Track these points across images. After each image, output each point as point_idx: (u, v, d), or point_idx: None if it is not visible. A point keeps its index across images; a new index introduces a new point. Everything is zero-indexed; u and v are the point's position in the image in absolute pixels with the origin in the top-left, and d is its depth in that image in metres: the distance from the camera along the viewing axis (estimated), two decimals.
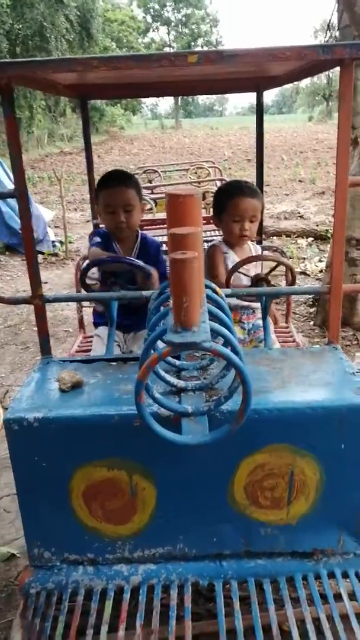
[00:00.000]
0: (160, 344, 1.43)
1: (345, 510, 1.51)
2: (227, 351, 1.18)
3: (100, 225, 2.47)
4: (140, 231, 2.42)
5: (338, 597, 1.50)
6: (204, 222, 4.18)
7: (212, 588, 1.52)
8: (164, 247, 2.51)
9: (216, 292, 1.55)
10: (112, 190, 2.22)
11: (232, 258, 2.30)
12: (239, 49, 1.50)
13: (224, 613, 1.45)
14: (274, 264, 2.17)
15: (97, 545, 1.55)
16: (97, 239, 2.30)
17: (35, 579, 1.54)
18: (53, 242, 7.01)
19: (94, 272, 2.22)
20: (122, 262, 2.06)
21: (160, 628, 1.44)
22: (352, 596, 1.49)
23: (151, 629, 1.44)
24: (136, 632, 1.43)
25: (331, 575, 1.53)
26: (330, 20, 4.61)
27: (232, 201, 2.23)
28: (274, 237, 7.07)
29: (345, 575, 1.53)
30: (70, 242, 7.06)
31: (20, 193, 1.63)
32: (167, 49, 49.66)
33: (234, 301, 2.33)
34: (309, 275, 5.37)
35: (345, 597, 1.48)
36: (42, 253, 6.71)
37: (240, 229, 2.24)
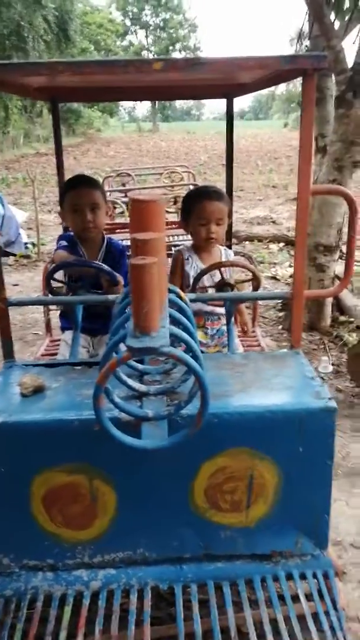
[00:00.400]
0: (122, 348, 1.43)
1: (303, 512, 1.54)
2: (185, 356, 1.19)
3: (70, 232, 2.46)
4: (105, 235, 2.42)
5: (296, 598, 1.52)
6: (176, 226, 4.21)
7: (172, 592, 1.52)
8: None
9: (180, 297, 1.56)
10: (79, 190, 2.25)
11: (195, 263, 2.33)
12: (204, 58, 1.51)
13: (184, 617, 1.46)
14: (246, 270, 2.20)
15: (57, 551, 1.54)
16: (63, 243, 2.31)
17: None
18: (25, 243, 6.94)
19: (60, 275, 2.22)
20: (88, 266, 2.06)
21: (119, 633, 1.44)
22: (309, 597, 1.52)
23: (110, 634, 1.44)
24: (95, 638, 1.43)
25: (289, 576, 1.55)
26: (301, 29, 4.69)
27: (198, 205, 2.27)
28: (247, 242, 7.14)
29: (302, 576, 1.55)
30: (42, 244, 6.99)
31: None
32: (144, 53, 49.75)
33: (198, 306, 2.35)
34: (279, 280, 5.44)
35: (302, 598, 1.50)
36: (14, 255, 6.64)
37: (206, 231, 2.27)
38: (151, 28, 53.02)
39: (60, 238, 2.38)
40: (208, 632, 1.48)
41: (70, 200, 2.25)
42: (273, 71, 1.78)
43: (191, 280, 2.25)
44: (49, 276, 2.07)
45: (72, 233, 2.39)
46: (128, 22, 51.72)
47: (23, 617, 1.47)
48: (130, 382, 1.48)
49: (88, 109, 32.51)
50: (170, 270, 2.36)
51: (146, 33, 53.21)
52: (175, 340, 1.32)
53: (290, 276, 5.32)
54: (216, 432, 1.44)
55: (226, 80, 2.32)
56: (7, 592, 1.51)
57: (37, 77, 1.83)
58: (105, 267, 2.02)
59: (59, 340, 2.65)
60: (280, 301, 4.50)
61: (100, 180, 7.66)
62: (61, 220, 2.31)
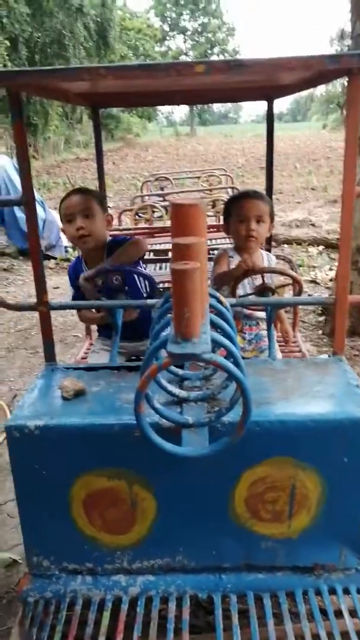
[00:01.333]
0: (163, 353, 1.42)
1: (348, 525, 1.49)
2: (227, 363, 1.17)
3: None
4: (109, 239, 2.33)
5: (339, 613, 1.47)
6: (215, 230, 4.19)
7: (211, 601, 1.50)
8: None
9: (221, 302, 1.54)
10: (70, 198, 2.21)
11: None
12: (246, 59, 1.49)
13: (223, 627, 1.43)
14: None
15: (96, 555, 1.54)
16: (70, 282, 2.33)
17: (34, 587, 1.54)
18: (66, 247, 7.06)
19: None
20: (126, 271, 2.06)
21: None
22: (353, 613, 1.47)
23: None
24: None
25: (332, 591, 1.50)
26: (343, 29, 4.61)
27: (237, 204, 2.26)
28: (285, 245, 7.05)
29: (346, 591, 1.50)
30: None
31: (27, 200, 1.63)
32: (183, 57, 49.94)
33: (236, 309, 2.32)
34: (319, 284, 5.34)
35: (346, 613, 1.46)
36: (55, 258, 6.76)
37: (246, 229, 2.24)
38: (189, 33, 53.26)
39: (69, 273, 2.41)
40: None
41: (63, 211, 2.21)
42: (316, 71, 1.74)
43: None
44: (86, 281, 2.08)
45: (73, 262, 2.41)
46: (166, 27, 52.13)
47: (63, 619, 1.48)
48: (170, 387, 1.47)
49: (127, 114, 32.91)
50: (214, 268, 2.32)
51: (184, 38, 53.50)
52: (215, 345, 1.30)
53: (331, 280, 5.22)
54: (257, 441, 1.41)
55: (267, 82, 2.29)
56: (47, 594, 1.52)
57: (78, 83, 1.85)
58: (142, 270, 2.02)
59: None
60: (320, 306, 4.41)
61: (139, 184, 7.74)
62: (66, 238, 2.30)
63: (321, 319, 4.29)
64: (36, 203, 1.72)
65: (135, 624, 1.45)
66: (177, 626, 1.44)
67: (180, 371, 1.61)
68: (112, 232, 2.56)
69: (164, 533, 1.50)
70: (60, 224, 7.27)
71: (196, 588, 1.50)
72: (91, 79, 1.51)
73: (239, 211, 2.26)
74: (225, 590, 1.50)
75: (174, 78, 1.58)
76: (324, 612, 1.50)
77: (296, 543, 1.51)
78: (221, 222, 2.60)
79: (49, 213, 6.93)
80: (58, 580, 1.54)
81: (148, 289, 2.17)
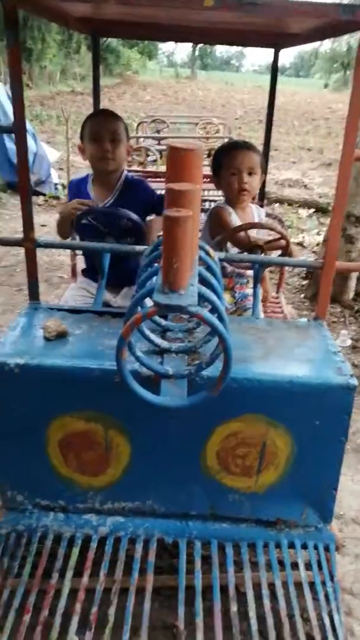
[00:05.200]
0: (148, 302, 1.40)
1: (312, 485, 1.54)
2: (212, 318, 1.16)
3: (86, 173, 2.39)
4: (126, 172, 2.30)
5: (295, 565, 1.54)
6: (209, 181, 4.09)
7: (177, 545, 1.55)
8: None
9: (209, 255, 1.52)
10: (99, 119, 2.17)
11: (235, 221, 2.24)
12: None
13: (185, 570, 1.49)
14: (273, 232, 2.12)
15: (69, 494, 1.57)
16: (69, 194, 2.25)
17: (7, 520, 1.57)
18: (55, 184, 6.83)
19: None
20: (117, 214, 2.01)
21: (123, 578, 1.49)
22: (308, 566, 1.54)
23: (114, 578, 1.48)
24: (99, 580, 1.47)
25: (291, 545, 1.57)
26: None
27: (228, 155, 2.19)
28: (276, 204, 6.96)
29: (304, 546, 1.57)
30: None
31: (19, 128, 1.55)
32: None
33: (231, 268, 2.30)
34: (305, 248, 5.32)
35: (301, 566, 1.53)
36: (44, 195, 6.56)
37: (238, 182, 2.18)
38: None
39: (69, 187, 2.33)
40: (207, 588, 1.52)
41: (90, 128, 2.15)
42: (328, 21, 1.65)
43: None
44: (77, 221, 2.02)
45: (80, 177, 2.33)
46: None
47: (33, 551, 1.53)
48: (152, 337, 1.46)
49: (127, 49, 31.35)
50: (214, 225, 2.25)
51: None
52: (201, 299, 1.29)
53: (318, 244, 5.19)
54: (234, 397, 1.43)
55: (276, 28, 2.18)
56: (20, 527, 1.55)
57: (79, 5, 1.73)
58: (134, 216, 1.97)
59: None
60: (304, 269, 4.41)
61: (134, 125, 7.46)
62: (82, 157, 2.19)
63: (305, 282, 4.30)
64: (27, 134, 1.64)
65: (102, 561, 1.50)
66: (142, 566, 1.49)
67: (163, 322, 1.60)
68: None
69: (136, 478, 1.53)
70: (51, 160, 7.07)
71: (163, 532, 1.55)
72: (94, 1, 1.41)
73: (230, 163, 2.18)
74: (190, 536, 1.55)
75: (181, 10, 1.49)
76: (281, 564, 1.57)
77: (262, 498, 1.56)
78: None
79: (40, 147, 6.66)
80: (31, 515, 1.58)
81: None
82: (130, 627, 1.40)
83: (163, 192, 2.92)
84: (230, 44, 3.09)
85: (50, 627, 1.40)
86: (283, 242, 2.03)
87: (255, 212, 2.39)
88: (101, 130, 2.13)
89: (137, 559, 1.50)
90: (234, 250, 2.17)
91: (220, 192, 2.55)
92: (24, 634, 1.40)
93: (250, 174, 2.18)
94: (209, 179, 4.05)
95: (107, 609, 1.44)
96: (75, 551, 1.52)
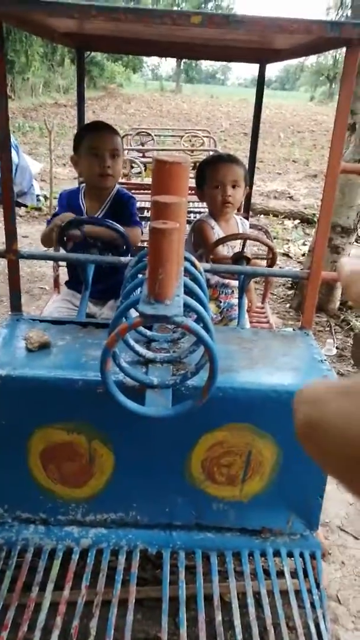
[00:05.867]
0: (132, 313, 1.41)
1: (298, 493, 1.54)
2: (198, 328, 1.17)
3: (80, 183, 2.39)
4: (118, 186, 2.30)
5: (280, 574, 1.54)
6: (193, 193, 4.13)
7: (160, 556, 1.54)
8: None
9: (195, 266, 1.53)
10: (99, 133, 2.13)
11: (217, 234, 2.26)
12: (245, 16, 1.44)
13: (169, 581, 1.48)
14: (259, 244, 2.14)
15: (50, 506, 1.55)
16: (58, 206, 2.25)
17: None
18: (37, 196, 6.83)
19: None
20: (102, 224, 2.01)
21: (105, 590, 1.47)
22: (293, 574, 1.54)
23: (96, 591, 1.46)
24: (81, 592, 1.45)
25: (277, 553, 1.57)
26: None
27: (212, 168, 2.21)
28: (262, 216, 7.03)
29: (290, 554, 1.57)
30: (55, 198, 6.88)
31: (2, 140, 1.56)
32: (175, 8, 47.97)
33: (215, 279, 2.31)
34: (291, 258, 5.37)
35: (287, 574, 1.53)
36: (26, 206, 6.55)
37: (222, 195, 2.20)
38: None
39: (60, 198, 2.32)
40: (191, 598, 1.52)
41: (90, 143, 2.12)
42: (315, 38, 1.68)
43: None
44: (62, 232, 2.02)
45: (71, 189, 2.32)
46: None
47: (13, 565, 1.50)
48: (137, 347, 1.46)
49: (111, 62, 31.59)
50: (197, 239, 2.27)
51: None
52: (186, 309, 1.30)
53: (303, 254, 5.25)
54: (219, 406, 1.43)
55: (262, 44, 2.22)
56: None
57: (66, 20, 1.74)
58: (119, 227, 1.97)
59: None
60: (290, 279, 4.46)
61: None
62: (76, 175, 2.20)
63: (290, 292, 4.34)
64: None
65: (84, 574, 1.48)
66: (124, 578, 1.48)
67: (148, 332, 1.61)
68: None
69: (120, 489, 1.52)
70: (33, 172, 7.07)
71: (147, 543, 1.54)
72: (80, 17, 1.42)
73: (214, 176, 2.20)
74: (174, 546, 1.54)
75: (168, 27, 1.51)
76: (266, 572, 1.57)
77: (246, 507, 1.56)
78: None
79: (22, 158, 6.65)
80: (10, 528, 1.55)
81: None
82: (113, 639, 1.38)
83: (149, 204, 2.94)
84: (216, 59, 3.14)
85: None
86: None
87: (240, 224, 2.41)
88: (102, 145, 2.10)
89: (119, 570, 1.48)
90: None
91: (204, 204, 2.57)
92: None
93: (233, 186, 2.21)
94: (193, 192, 4.11)
95: (89, 622, 1.42)
96: (57, 564, 1.50)
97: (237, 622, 1.43)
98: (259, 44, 2.20)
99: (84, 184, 2.32)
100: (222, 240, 2.08)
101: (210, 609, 1.47)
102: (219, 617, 1.43)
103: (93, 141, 2.12)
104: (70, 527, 1.57)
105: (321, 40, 1.68)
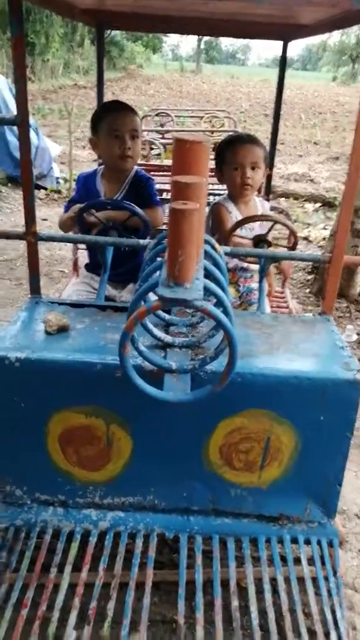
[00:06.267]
0: (151, 296, 1.39)
1: (316, 480, 1.52)
2: (218, 312, 1.15)
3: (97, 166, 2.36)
4: (136, 167, 2.27)
5: (297, 561, 1.53)
6: (212, 174, 4.06)
7: (177, 540, 1.54)
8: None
9: (215, 249, 1.50)
10: (119, 114, 2.09)
11: (235, 217, 2.22)
12: None
13: (186, 565, 1.48)
14: (278, 226, 2.10)
15: (68, 489, 1.56)
16: (76, 189, 2.23)
17: (5, 515, 1.56)
18: (57, 178, 6.81)
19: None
20: (121, 207, 1.99)
21: (122, 573, 1.48)
22: (310, 561, 1.53)
23: (113, 573, 1.47)
24: (98, 574, 1.47)
25: (294, 540, 1.56)
26: None
27: (231, 149, 2.16)
28: (282, 199, 6.92)
29: (307, 541, 1.56)
30: (75, 180, 6.86)
31: (22, 120, 1.54)
32: None
33: (234, 262, 2.28)
34: (311, 242, 5.29)
35: (304, 561, 1.52)
36: (45, 188, 6.54)
37: (241, 176, 2.16)
38: None
39: (77, 181, 2.30)
40: (208, 582, 1.52)
41: (110, 124, 2.08)
42: (340, 12, 1.63)
43: None
44: (80, 213, 2.00)
45: (88, 172, 2.30)
46: None
47: (32, 546, 1.52)
48: (156, 331, 1.45)
49: (131, 42, 31.20)
50: (213, 222, 2.24)
51: None
52: (206, 293, 1.27)
53: (324, 238, 5.16)
54: (238, 392, 1.41)
55: (285, 19, 2.15)
56: (18, 521, 1.55)
57: None
58: (138, 209, 1.95)
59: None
60: (310, 264, 4.39)
61: None
62: (95, 158, 2.16)
63: (310, 277, 4.27)
64: (30, 127, 1.62)
65: (102, 556, 1.49)
66: (142, 561, 1.48)
67: (167, 316, 1.59)
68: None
69: (137, 473, 1.52)
70: (53, 154, 7.04)
71: (164, 527, 1.54)
72: None
73: (233, 158, 2.16)
74: (192, 531, 1.54)
75: (189, 1, 1.46)
76: (283, 559, 1.56)
77: (264, 493, 1.54)
78: None
79: (42, 140, 6.63)
80: (30, 509, 1.57)
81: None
82: (130, 621, 1.39)
83: (168, 186, 2.89)
84: (238, 36, 3.06)
85: (48, 621, 1.39)
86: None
87: (260, 206, 2.37)
88: (122, 126, 2.06)
89: (137, 553, 1.49)
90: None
91: (224, 186, 2.53)
92: (21, 628, 1.39)
93: (253, 168, 2.16)
94: (213, 173, 4.04)
95: (106, 603, 1.43)
96: (75, 546, 1.51)
97: (254, 607, 1.43)
98: (282, 19, 2.13)
99: (101, 167, 2.30)
100: (241, 223, 2.04)
101: (226, 594, 1.47)
102: (235, 602, 1.43)
103: (113, 122, 2.08)
104: (88, 510, 1.57)
105: (346, 14, 1.62)
